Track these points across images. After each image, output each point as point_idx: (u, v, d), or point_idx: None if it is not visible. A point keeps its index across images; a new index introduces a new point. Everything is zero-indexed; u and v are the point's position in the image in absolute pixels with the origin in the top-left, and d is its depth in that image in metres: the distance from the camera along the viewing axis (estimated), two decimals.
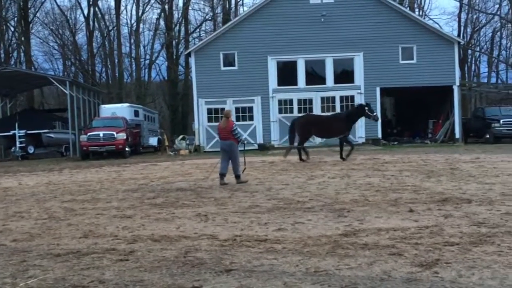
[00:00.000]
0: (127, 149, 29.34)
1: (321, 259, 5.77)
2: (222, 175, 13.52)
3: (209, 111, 31.59)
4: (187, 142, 33.91)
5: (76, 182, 15.86)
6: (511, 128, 30.40)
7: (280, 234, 7.15)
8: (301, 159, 19.59)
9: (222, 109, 31.22)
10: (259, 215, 8.70)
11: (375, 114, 20.73)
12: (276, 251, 6.23)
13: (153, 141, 37.03)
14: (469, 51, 53.24)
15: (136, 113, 34.80)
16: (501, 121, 30.46)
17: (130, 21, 54.34)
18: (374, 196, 10.28)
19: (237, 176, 13.52)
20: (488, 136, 30.78)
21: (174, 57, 51.81)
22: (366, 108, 19.97)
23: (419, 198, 9.81)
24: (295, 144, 20.31)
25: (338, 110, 30.88)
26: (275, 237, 6.93)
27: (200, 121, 31.70)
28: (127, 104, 35.63)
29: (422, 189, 11.04)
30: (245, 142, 15.09)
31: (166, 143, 36.02)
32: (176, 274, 5.47)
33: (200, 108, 31.61)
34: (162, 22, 52.17)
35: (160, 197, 11.40)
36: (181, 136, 36.05)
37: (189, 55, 33.90)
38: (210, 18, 53.23)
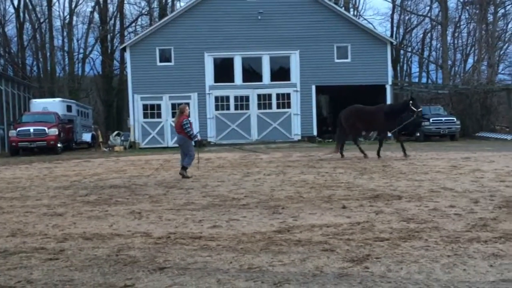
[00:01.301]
0: (59, 145, 28.54)
1: (255, 256, 5.80)
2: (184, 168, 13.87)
3: (145, 107, 31.18)
4: (122, 138, 33.34)
5: (4, 179, 15.30)
6: (439, 126, 31.57)
7: (214, 231, 7.14)
8: (363, 153, 18.46)
9: (158, 105, 31.09)
10: (194, 212, 8.66)
11: (420, 109, 18.53)
12: (211, 248, 6.22)
13: (87, 137, 36.18)
14: (401, 51, 54.79)
15: (69, 108, 33.91)
16: (430, 120, 31.60)
17: (63, 13, 52.92)
18: (308, 193, 10.42)
19: (183, 167, 13.79)
20: (418, 134, 31.84)
21: (109, 51, 50.81)
22: (410, 102, 18.23)
23: (352, 194, 10.02)
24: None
25: (274, 107, 31.16)
26: (209, 234, 6.92)
27: (136, 117, 31.23)
28: (60, 99, 34.68)
29: (355, 186, 11.29)
30: (198, 137, 15.20)
31: (100, 139, 35.27)
32: (107, 273, 5.36)
33: (136, 104, 31.14)
34: (96, 16, 51.07)
35: (93, 195, 11.15)
36: (115, 132, 35.41)
37: (124, 50, 33.32)
38: (146, 13, 52.49)
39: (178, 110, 14.43)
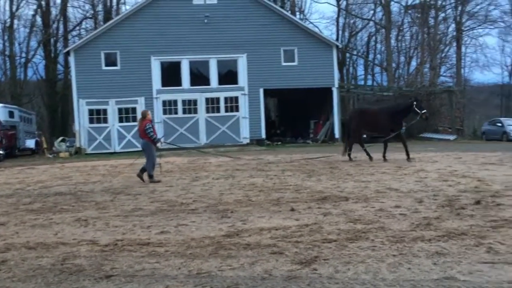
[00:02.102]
0: (1, 152, 27.65)
1: (204, 261, 5.78)
2: (150, 175, 13.85)
3: (91, 112, 30.57)
4: (67, 144, 32.61)
5: None
6: None
7: (163, 237, 7.07)
8: (369, 156, 17.85)
9: (104, 110, 30.55)
10: (142, 218, 8.55)
11: (423, 111, 17.54)
12: (159, 254, 6.15)
13: (30, 143, 35.16)
14: (347, 55, 55.70)
15: (11, 114, 32.89)
16: None
17: (4, 16, 51.33)
18: (257, 196, 10.45)
19: (143, 170, 13.86)
20: (365, 135, 32.35)
21: (53, 55, 49.60)
22: (414, 103, 17.49)
23: (300, 197, 10.11)
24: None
25: (222, 111, 31.13)
26: (158, 240, 6.84)
27: (81, 122, 30.59)
28: (1, 105, 33.60)
29: (303, 188, 11.39)
30: (162, 142, 15.31)
31: (45, 146, 34.39)
32: (52, 283, 5.24)
33: (81, 109, 30.50)
34: (39, 19, 49.77)
35: (37, 202, 10.86)
36: (60, 138, 34.62)
37: (68, 54, 32.59)
38: (90, 16, 51.51)
39: (141, 115, 14.67)
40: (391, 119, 17.74)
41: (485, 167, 14.63)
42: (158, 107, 30.76)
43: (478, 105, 66.06)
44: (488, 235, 6.42)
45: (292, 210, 8.65)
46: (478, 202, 8.71)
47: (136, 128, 29.27)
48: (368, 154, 17.95)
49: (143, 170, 13.88)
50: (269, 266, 5.46)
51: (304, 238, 6.62)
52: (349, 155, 18.26)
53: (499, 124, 35.13)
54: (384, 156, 17.65)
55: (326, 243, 6.30)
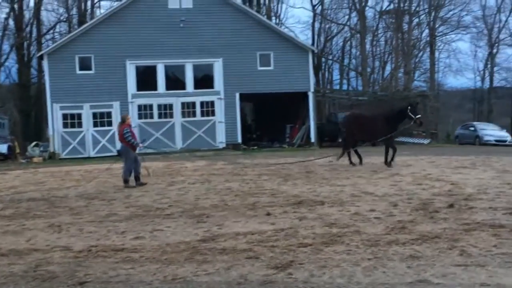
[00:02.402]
0: None
1: (179, 266, 5.75)
2: (126, 180, 13.70)
3: (65, 116, 30.18)
4: (41, 149, 32.15)
5: None
6: None
7: (138, 242, 7.02)
8: (351, 162, 17.58)
9: (79, 115, 30.22)
10: (117, 223, 8.48)
11: (418, 117, 16.97)
12: (134, 260, 6.11)
13: (2, 148, 34.54)
14: (323, 59, 56.02)
15: None
16: None
17: None
18: (233, 200, 10.44)
19: (125, 181, 13.66)
20: (340, 140, 32.55)
21: (26, 59, 48.96)
22: (409, 109, 16.98)
23: (276, 201, 10.12)
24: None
25: (198, 115, 31.04)
26: (132, 246, 6.79)
27: (55, 127, 30.20)
28: None
29: (279, 192, 11.41)
30: (141, 146, 14.87)
31: (18, 151, 33.85)
32: None
33: (55, 114, 30.11)
34: (11, 22, 49.08)
35: (9, 208, 10.69)
36: (34, 143, 34.10)
37: (41, 57, 32.18)
38: (64, 20, 50.98)
39: (120, 119, 14.56)
40: (386, 125, 17.30)
41: (458, 171, 14.83)
42: (133, 111, 30.47)
43: (451, 109, 66.98)
44: (461, 238, 6.51)
45: (268, 214, 8.66)
46: (451, 206, 8.83)
47: (111, 133, 29.20)
48: (358, 158, 17.81)
49: (125, 181, 13.70)
50: (245, 271, 5.46)
51: (280, 242, 6.63)
52: (349, 159, 17.76)
53: (472, 128, 35.66)
54: (386, 161, 17.00)
55: (301, 248, 6.31)
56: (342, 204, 9.51)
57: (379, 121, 17.69)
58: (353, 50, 58.83)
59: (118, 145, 14.42)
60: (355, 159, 17.91)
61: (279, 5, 54.84)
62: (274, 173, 15.87)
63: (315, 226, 7.60)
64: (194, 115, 30.87)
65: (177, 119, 30.70)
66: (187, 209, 9.64)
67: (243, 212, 9.00)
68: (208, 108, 31.13)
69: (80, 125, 30.30)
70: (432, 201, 9.49)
